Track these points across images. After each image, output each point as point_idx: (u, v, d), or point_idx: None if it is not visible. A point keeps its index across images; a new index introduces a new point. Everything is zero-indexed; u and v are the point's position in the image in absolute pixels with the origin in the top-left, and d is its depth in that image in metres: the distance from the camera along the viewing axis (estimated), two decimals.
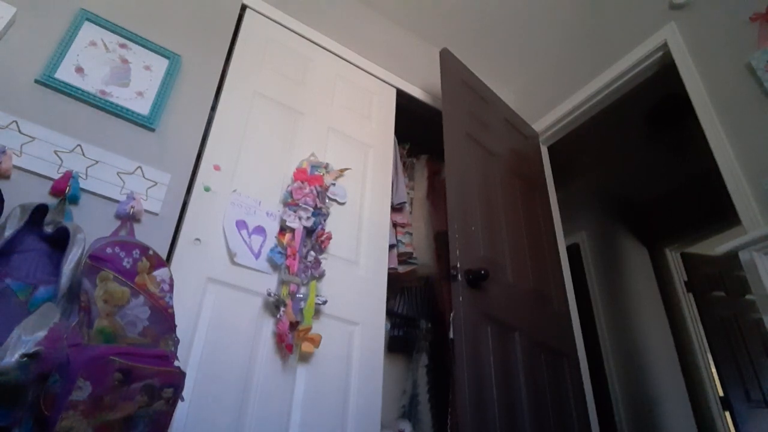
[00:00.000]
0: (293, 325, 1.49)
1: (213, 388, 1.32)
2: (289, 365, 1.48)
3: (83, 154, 1.36)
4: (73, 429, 0.86)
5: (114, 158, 1.41)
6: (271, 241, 1.61)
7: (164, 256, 1.36)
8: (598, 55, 2.41)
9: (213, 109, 1.73)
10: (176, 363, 1.04)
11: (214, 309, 1.42)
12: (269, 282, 1.55)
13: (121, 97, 1.50)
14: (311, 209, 1.68)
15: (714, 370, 3.15)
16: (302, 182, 1.72)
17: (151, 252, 1.13)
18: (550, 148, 2.74)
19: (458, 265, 1.67)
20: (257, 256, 1.56)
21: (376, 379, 1.65)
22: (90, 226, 1.22)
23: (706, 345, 3.23)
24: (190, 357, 1.32)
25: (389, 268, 1.98)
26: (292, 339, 1.48)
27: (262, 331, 1.48)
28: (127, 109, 1.49)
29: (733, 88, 1.80)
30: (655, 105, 2.98)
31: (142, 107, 1.53)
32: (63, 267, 1.05)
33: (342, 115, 2.09)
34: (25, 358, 0.84)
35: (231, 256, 1.51)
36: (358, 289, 1.76)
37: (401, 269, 2.20)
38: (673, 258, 3.64)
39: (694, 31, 2.01)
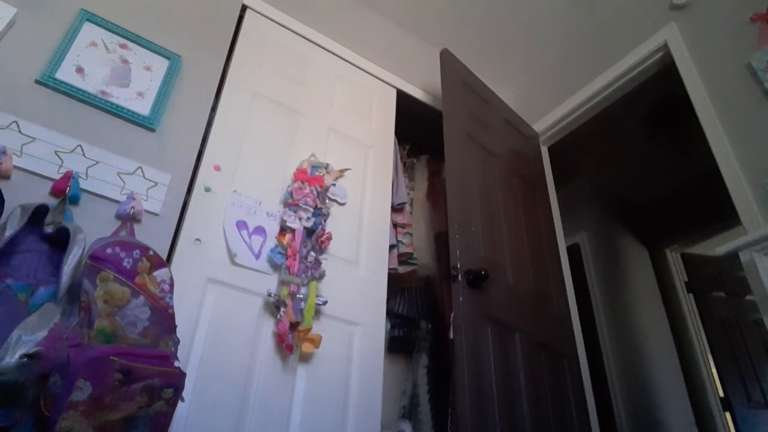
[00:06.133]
0: (293, 326, 1.49)
1: (213, 388, 1.32)
2: (289, 366, 1.48)
3: (83, 155, 1.36)
4: (74, 429, 0.86)
5: (114, 158, 1.41)
6: (271, 242, 1.61)
7: (164, 256, 1.36)
8: (598, 55, 2.41)
9: (213, 109, 1.73)
10: (176, 363, 1.04)
11: (214, 309, 1.42)
12: (269, 282, 1.55)
13: (122, 97, 1.50)
14: (311, 210, 1.68)
15: (714, 370, 3.15)
16: (302, 182, 1.73)
17: (151, 252, 1.13)
18: (550, 149, 2.74)
19: (458, 266, 1.67)
20: (257, 256, 1.56)
21: (376, 379, 1.65)
22: (90, 227, 1.22)
23: (706, 345, 3.22)
24: (191, 357, 1.32)
25: (389, 269, 1.98)
26: (293, 339, 1.48)
27: (262, 331, 1.48)
28: (128, 110, 1.49)
29: (734, 89, 1.80)
30: (655, 105, 2.98)
31: (143, 107, 1.53)
32: (63, 267, 1.05)
33: (342, 115, 2.09)
34: (25, 359, 0.85)
35: (231, 256, 1.51)
36: (358, 289, 1.76)
37: (401, 269, 2.20)
38: (674, 258, 3.63)
39: (695, 32, 2.01)
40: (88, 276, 1.02)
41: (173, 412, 1.01)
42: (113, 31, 1.59)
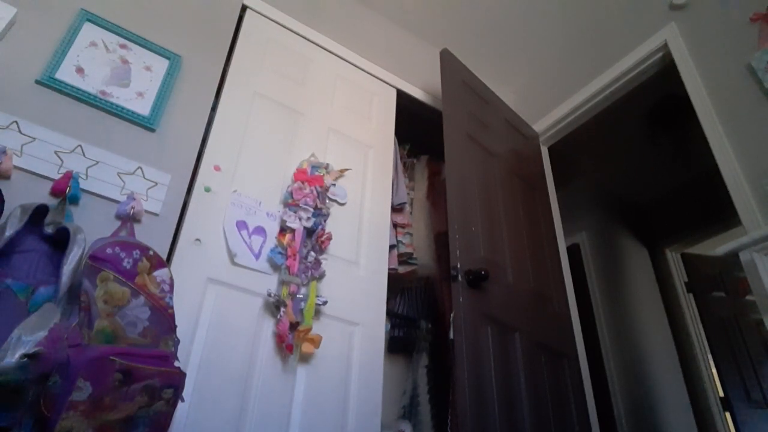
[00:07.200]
0: (293, 326, 1.49)
1: (213, 388, 1.32)
2: (289, 366, 1.48)
3: (83, 155, 1.36)
4: (74, 429, 0.86)
5: (114, 159, 1.41)
6: (271, 242, 1.61)
7: (164, 256, 1.36)
8: (598, 55, 2.41)
9: (213, 109, 1.73)
10: (176, 363, 1.04)
11: (214, 309, 1.42)
12: (269, 282, 1.55)
13: (122, 97, 1.50)
14: (311, 210, 1.68)
15: (714, 370, 3.15)
16: (302, 183, 1.72)
17: (151, 252, 1.13)
18: (550, 149, 2.74)
19: (458, 266, 1.67)
20: (257, 256, 1.56)
21: (376, 379, 1.65)
22: (90, 227, 1.22)
23: (706, 345, 3.22)
24: (191, 357, 1.32)
25: (389, 269, 1.98)
26: (293, 339, 1.48)
27: (262, 331, 1.48)
28: (128, 110, 1.49)
29: (733, 89, 1.80)
30: (655, 105, 2.98)
31: (143, 108, 1.53)
32: (63, 267, 1.05)
33: (342, 115, 2.09)
34: (25, 359, 0.85)
35: (231, 256, 1.51)
36: (358, 289, 1.76)
37: (401, 270, 2.20)
38: (674, 258, 3.63)
39: (695, 32, 2.01)
40: (88, 276, 1.02)
41: (173, 412, 1.01)
42: (113, 31, 1.59)
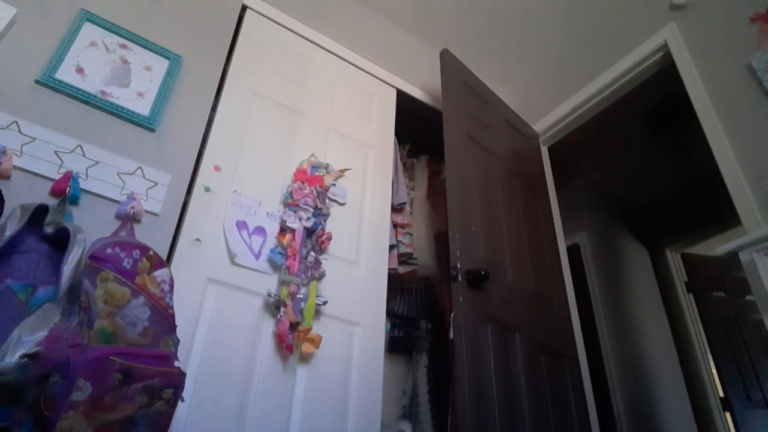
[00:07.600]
0: (293, 326, 1.49)
1: (213, 388, 1.32)
2: (289, 366, 1.48)
3: (83, 155, 1.36)
4: (74, 429, 0.86)
5: (114, 159, 1.41)
6: (271, 242, 1.61)
7: (164, 256, 1.36)
8: (598, 55, 2.41)
9: (213, 109, 1.73)
10: (176, 363, 1.04)
11: (215, 309, 1.42)
12: (269, 282, 1.55)
13: (122, 97, 1.50)
14: (311, 210, 1.68)
15: (714, 370, 3.15)
16: (302, 183, 1.72)
17: (151, 252, 1.13)
18: (550, 149, 2.74)
19: (458, 266, 1.67)
20: (257, 256, 1.56)
21: (376, 379, 1.65)
22: (90, 227, 1.22)
23: (706, 345, 3.22)
24: (191, 357, 1.32)
25: (389, 269, 1.98)
26: (293, 339, 1.48)
27: (262, 331, 1.48)
28: (128, 110, 1.49)
29: (733, 89, 1.80)
30: (655, 105, 2.98)
31: (143, 108, 1.53)
32: (63, 267, 1.05)
33: (342, 115, 2.09)
34: (25, 359, 0.85)
35: (231, 256, 1.51)
36: (358, 289, 1.76)
37: (401, 270, 2.20)
38: (674, 258, 3.63)
39: (695, 32, 2.01)
40: (88, 276, 1.02)
41: (173, 412, 1.01)
42: (113, 31, 1.59)
